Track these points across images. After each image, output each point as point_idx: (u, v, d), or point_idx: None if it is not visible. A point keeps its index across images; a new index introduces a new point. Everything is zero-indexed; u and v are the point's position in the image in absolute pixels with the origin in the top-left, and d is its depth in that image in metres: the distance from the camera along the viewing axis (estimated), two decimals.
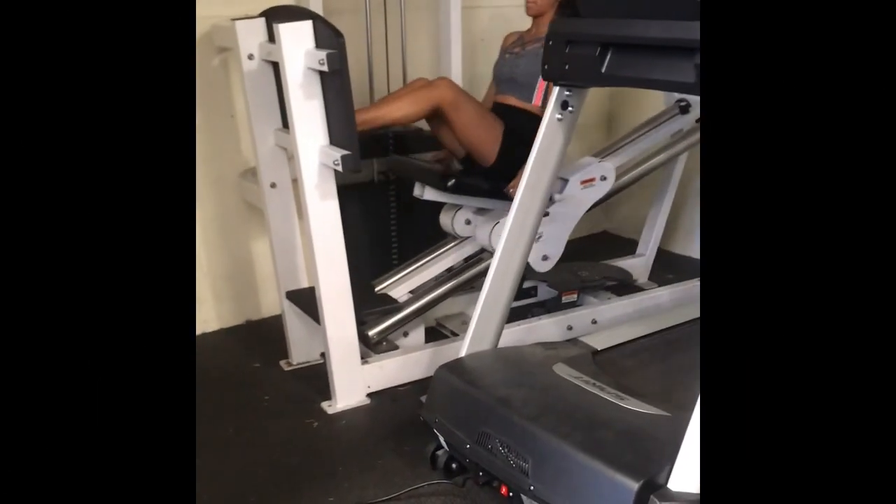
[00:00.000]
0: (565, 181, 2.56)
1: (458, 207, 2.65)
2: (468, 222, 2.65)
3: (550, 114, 1.96)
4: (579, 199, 2.57)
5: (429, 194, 2.57)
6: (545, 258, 2.58)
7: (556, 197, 2.56)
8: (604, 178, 2.60)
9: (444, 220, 2.70)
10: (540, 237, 2.51)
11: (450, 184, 2.46)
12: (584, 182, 2.55)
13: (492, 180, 2.52)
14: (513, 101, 2.60)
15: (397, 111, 2.43)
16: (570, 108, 1.95)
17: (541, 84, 2.55)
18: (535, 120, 2.50)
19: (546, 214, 2.57)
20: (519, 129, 2.48)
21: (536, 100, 2.56)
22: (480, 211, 2.64)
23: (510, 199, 2.47)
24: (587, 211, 2.64)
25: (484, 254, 2.67)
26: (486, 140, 2.52)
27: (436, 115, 2.51)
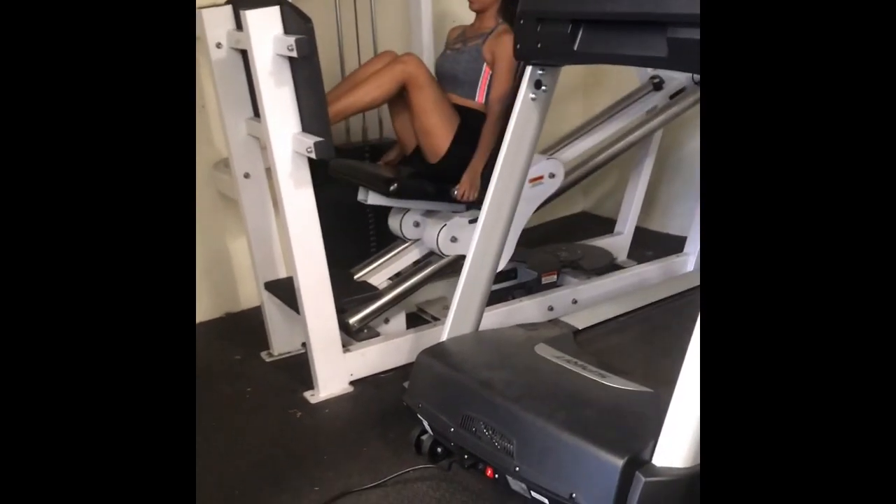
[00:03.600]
0: None
1: (406, 210, 2.61)
2: (416, 224, 2.62)
3: (524, 94, 1.94)
4: (528, 198, 2.52)
5: (373, 199, 2.53)
6: None
7: None
8: (552, 176, 2.58)
9: (393, 223, 2.65)
10: None
11: (392, 188, 2.42)
12: (532, 180, 2.52)
13: (437, 182, 2.49)
14: (456, 98, 2.56)
15: (365, 96, 2.41)
16: (543, 88, 1.93)
17: (483, 81, 2.52)
18: (479, 118, 2.49)
19: None
20: (465, 128, 2.46)
21: (479, 97, 2.53)
22: (429, 213, 2.61)
23: (456, 201, 2.45)
24: (541, 205, 2.64)
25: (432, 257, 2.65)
26: (442, 129, 2.48)
27: (399, 97, 2.48)
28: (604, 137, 2.84)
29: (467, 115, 2.49)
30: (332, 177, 2.59)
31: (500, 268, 2.24)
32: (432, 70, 2.67)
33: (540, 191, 2.59)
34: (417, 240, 2.65)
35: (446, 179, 2.45)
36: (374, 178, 2.53)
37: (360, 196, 2.57)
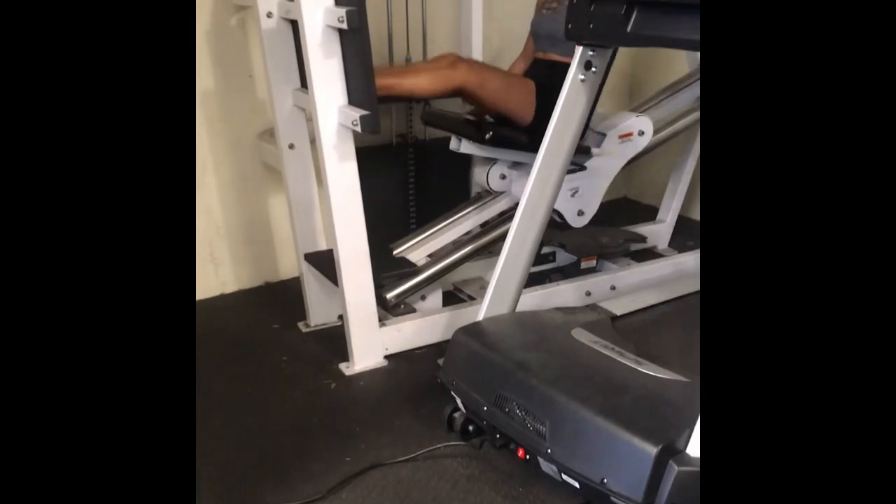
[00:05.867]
0: (603, 135, 2.54)
1: (494, 162, 2.63)
2: (503, 177, 2.64)
3: (573, 75, 1.93)
4: (617, 154, 2.54)
5: (465, 147, 2.56)
6: (581, 213, 2.57)
7: (594, 151, 2.54)
8: (641, 133, 2.59)
9: (479, 174, 2.68)
10: (576, 192, 2.50)
11: (488, 136, 2.44)
12: (621, 136, 2.54)
13: (530, 133, 2.49)
14: (555, 56, 2.57)
15: (418, 85, 2.41)
16: (593, 69, 1.91)
17: None
18: None
19: (583, 168, 2.55)
20: (560, 83, 2.46)
21: None
22: (516, 165, 2.62)
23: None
24: (629, 163, 2.65)
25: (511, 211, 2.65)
26: (520, 104, 2.50)
27: (461, 93, 2.49)
28: (657, 119, 2.81)
29: (564, 72, 2.51)
30: (425, 121, 2.71)
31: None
32: (474, 53, 2.66)
33: (629, 147, 2.62)
34: (502, 192, 2.67)
35: (539, 133, 2.47)
36: (468, 126, 2.56)
37: (453, 145, 2.60)
